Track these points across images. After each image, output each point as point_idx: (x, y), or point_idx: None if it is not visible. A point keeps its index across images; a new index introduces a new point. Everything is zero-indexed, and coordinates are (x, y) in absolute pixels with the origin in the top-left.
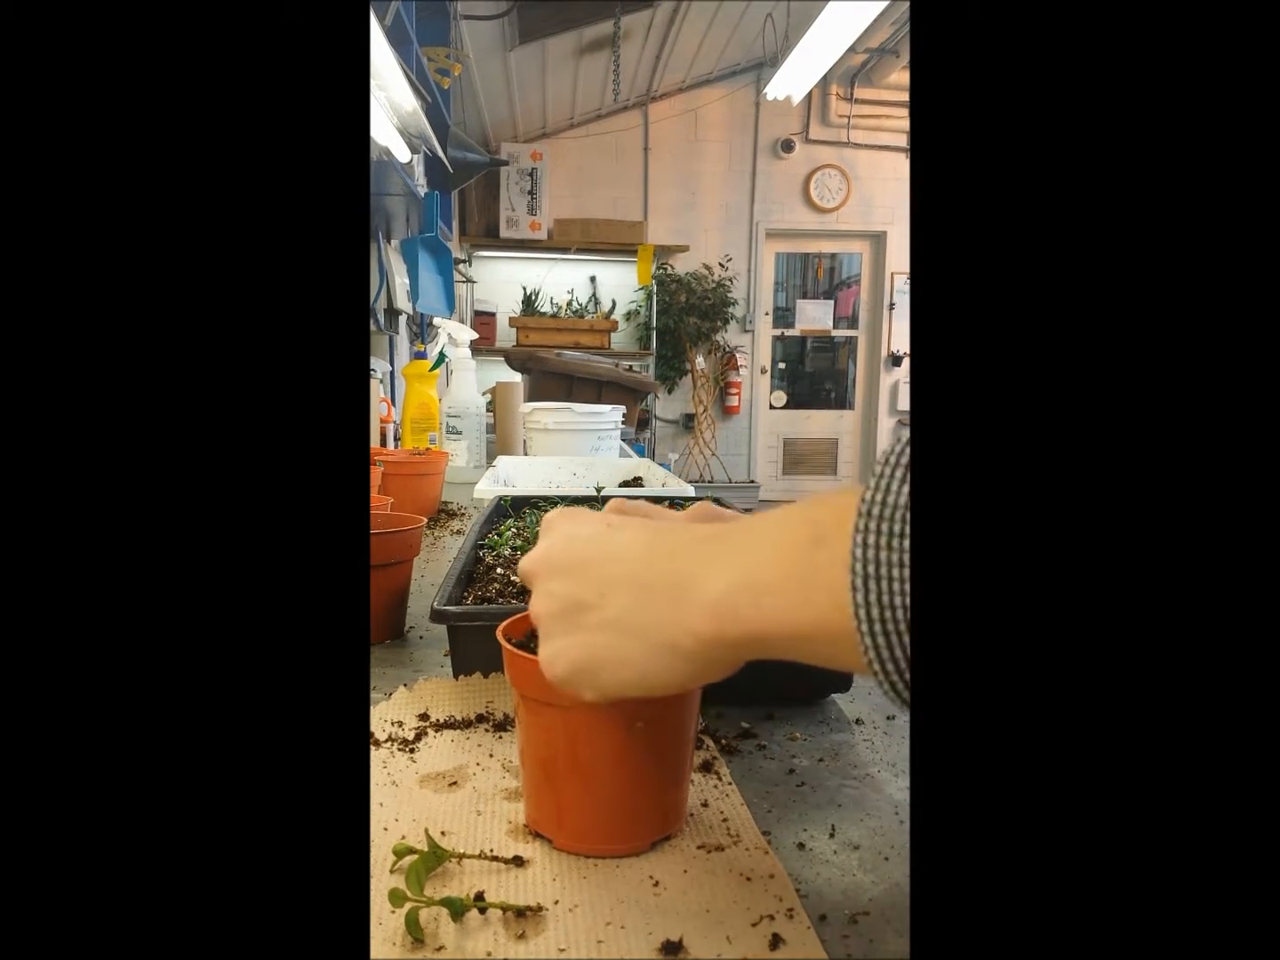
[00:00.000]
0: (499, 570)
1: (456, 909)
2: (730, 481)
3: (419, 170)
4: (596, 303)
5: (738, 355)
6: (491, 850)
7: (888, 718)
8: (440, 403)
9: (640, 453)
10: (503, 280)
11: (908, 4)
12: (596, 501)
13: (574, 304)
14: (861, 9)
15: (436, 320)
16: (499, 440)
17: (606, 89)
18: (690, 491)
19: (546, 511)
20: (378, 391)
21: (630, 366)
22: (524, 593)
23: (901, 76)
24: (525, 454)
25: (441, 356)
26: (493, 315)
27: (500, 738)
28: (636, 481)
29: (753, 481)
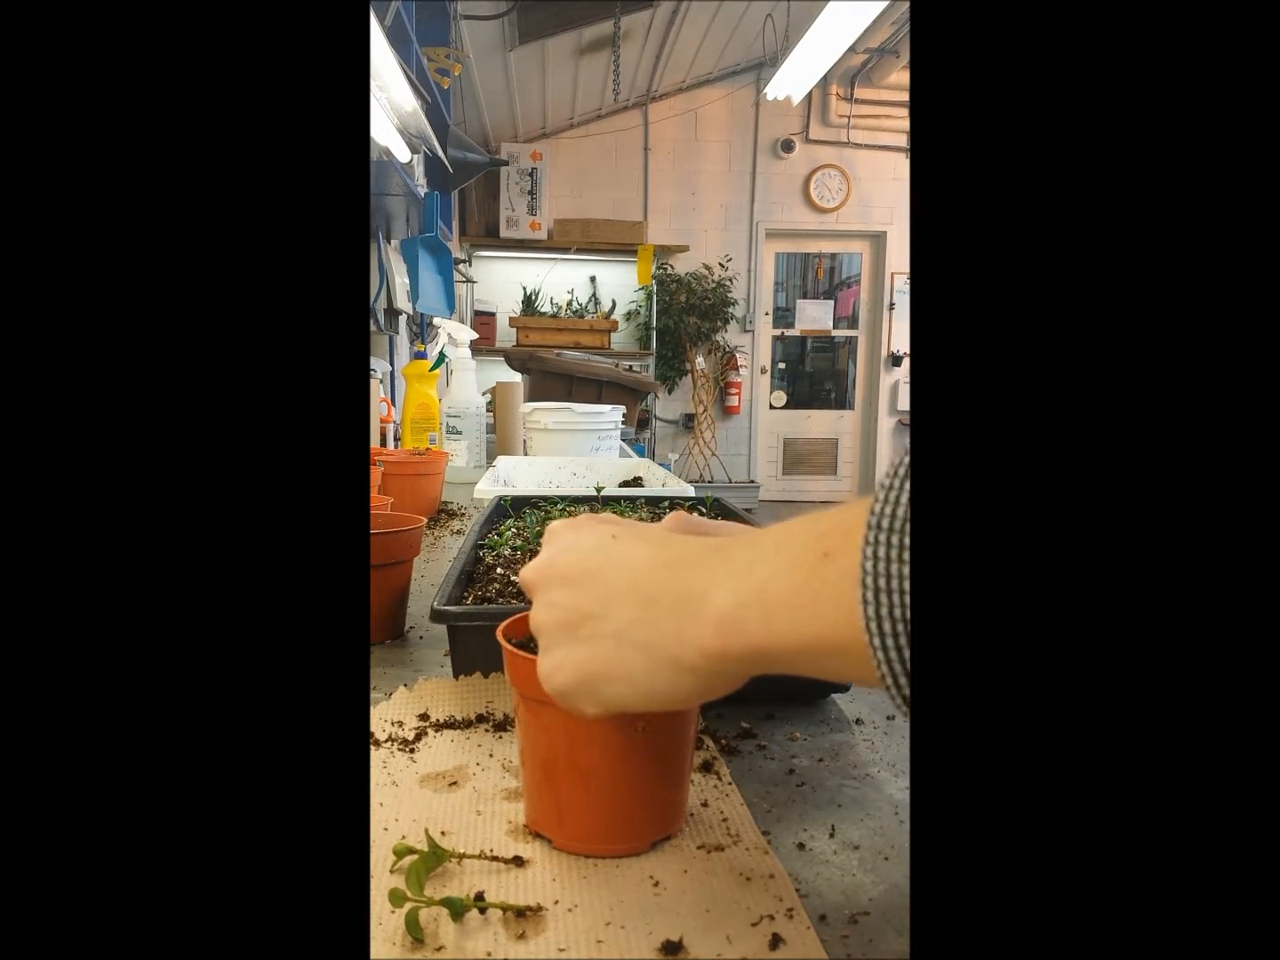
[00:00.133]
0: (499, 570)
1: (456, 909)
2: (730, 481)
3: (419, 170)
4: (596, 303)
5: (738, 355)
6: (491, 850)
7: (888, 718)
8: (440, 403)
9: (640, 453)
10: (503, 280)
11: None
12: (597, 502)
13: (574, 304)
14: (861, 9)
15: (436, 320)
16: (499, 440)
17: (606, 89)
18: (690, 491)
19: (546, 511)
20: (378, 391)
21: (630, 366)
22: (524, 593)
23: (901, 76)
24: (525, 454)
25: (441, 356)
26: (493, 315)
27: (500, 738)
28: (636, 481)
29: (753, 481)
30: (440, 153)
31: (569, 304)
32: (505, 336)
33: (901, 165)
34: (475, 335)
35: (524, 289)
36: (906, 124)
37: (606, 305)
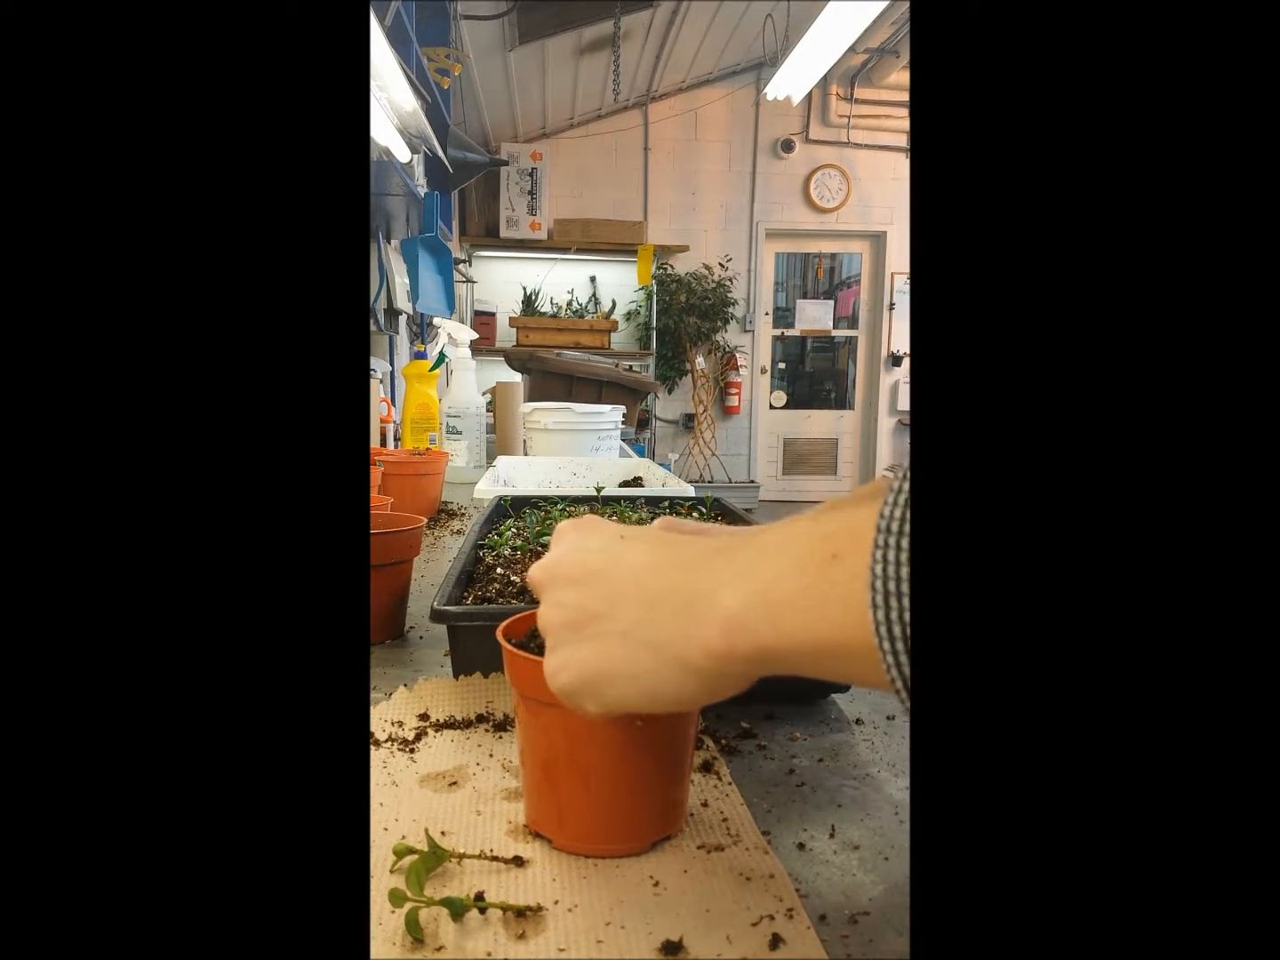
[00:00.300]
0: (499, 570)
1: (456, 909)
2: (730, 481)
3: (419, 170)
4: (596, 303)
5: (738, 355)
6: (491, 850)
7: (888, 718)
8: (440, 403)
9: (640, 453)
10: (503, 280)
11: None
12: (597, 502)
13: (574, 304)
14: (861, 9)
15: (436, 320)
16: (499, 440)
17: (606, 89)
18: (690, 491)
19: (546, 511)
20: (378, 391)
21: (630, 366)
22: (524, 593)
23: (901, 76)
24: (525, 454)
25: (441, 356)
26: (493, 315)
27: (500, 738)
28: (636, 481)
29: (753, 481)
30: (440, 153)
31: (569, 304)
32: (505, 336)
33: (901, 165)
34: (475, 335)
35: (524, 289)
36: (906, 124)
37: (606, 305)
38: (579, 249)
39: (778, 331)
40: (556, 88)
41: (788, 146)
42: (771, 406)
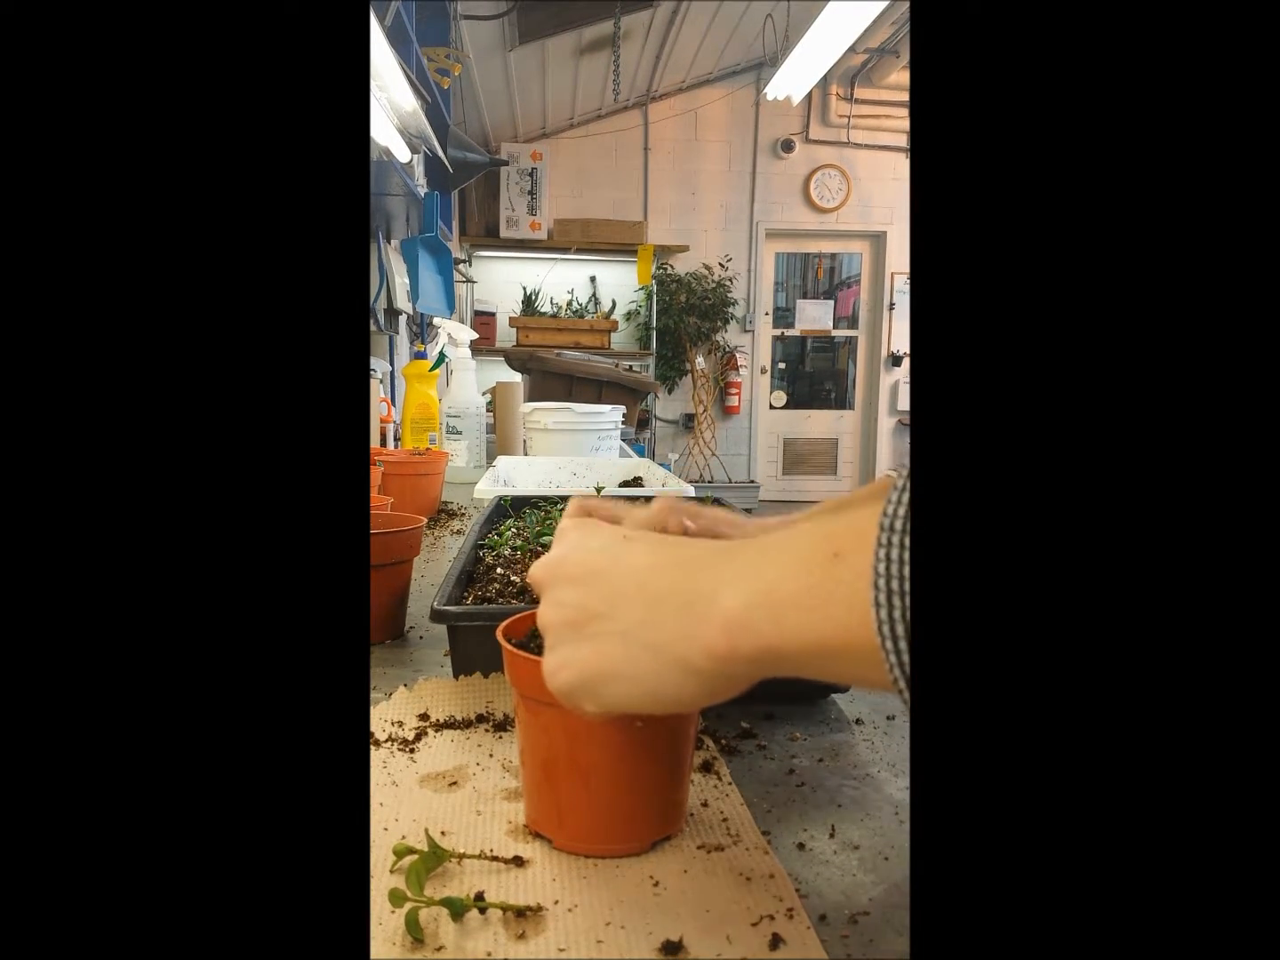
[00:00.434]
0: (499, 570)
1: (456, 909)
2: (730, 481)
3: (419, 170)
4: (596, 303)
5: (738, 355)
6: (491, 850)
7: (888, 718)
8: (440, 403)
9: (640, 453)
10: (503, 280)
11: (908, 4)
12: None
13: (574, 304)
14: (861, 9)
15: (436, 320)
16: (499, 440)
17: (606, 89)
18: (690, 491)
19: (546, 511)
20: (378, 391)
21: (630, 366)
22: (524, 593)
23: (901, 76)
24: (525, 454)
25: (441, 356)
26: (493, 315)
27: (500, 738)
28: (636, 481)
29: (753, 481)
30: (440, 153)
31: (569, 304)
32: (505, 336)
33: (901, 165)
34: (475, 335)
35: (524, 289)
36: (906, 124)
37: (606, 305)
38: (579, 249)
39: (778, 331)
40: (556, 88)
41: (788, 146)
42: (771, 406)
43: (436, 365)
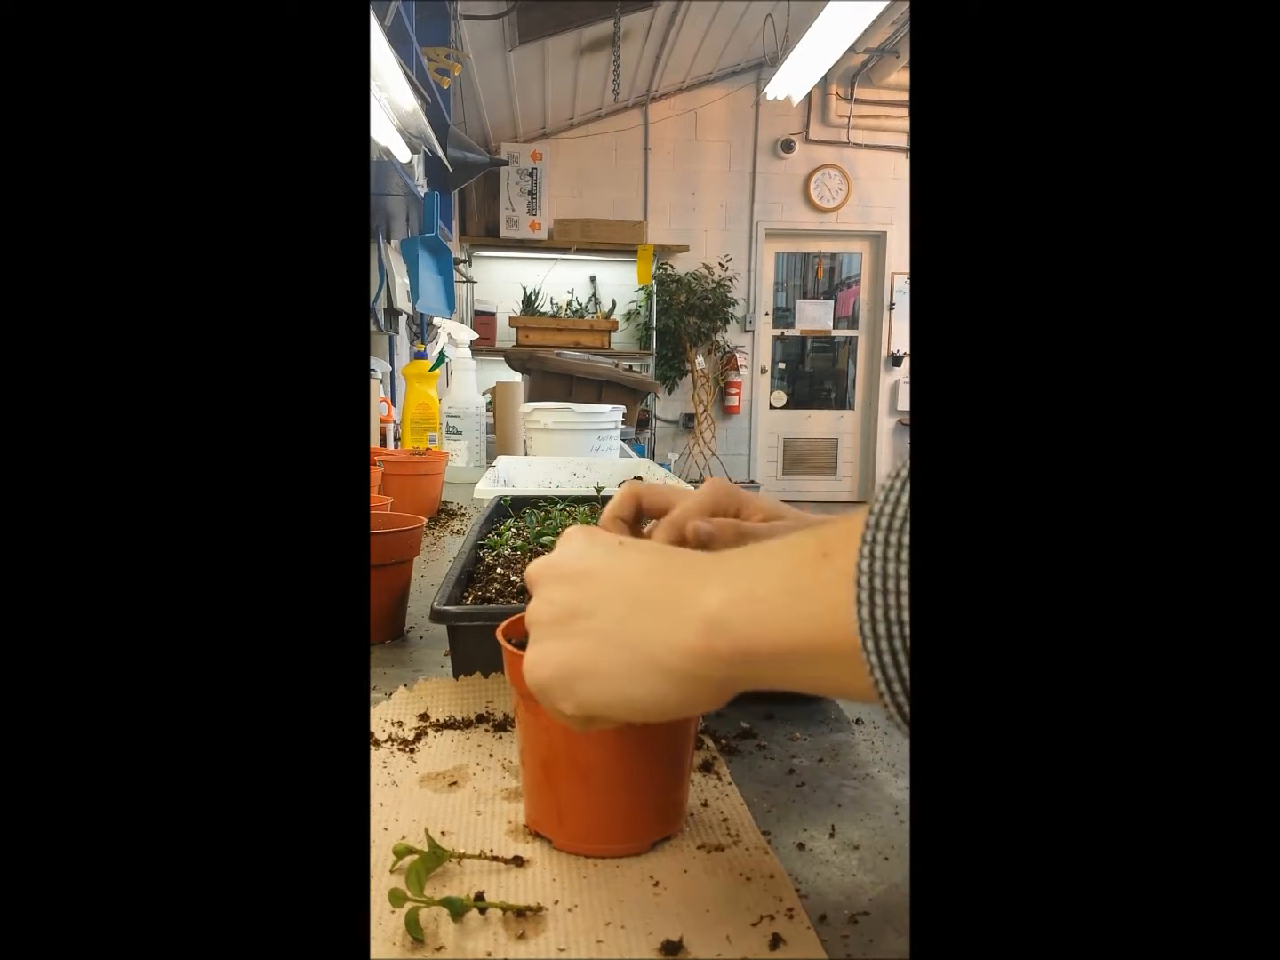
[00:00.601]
0: (499, 570)
1: (456, 909)
2: (730, 481)
3: (419, 170)
4: (596, 303)
5: (738, 355)
6: (491, 850)
7: (888, 718)
8: (440, 403)
9: (640, 453)
10: (503, 280)
11: (908, 4)
12: (596, 502)
13: (574, 304)
14: (861, 9)
15: (436, 320)
16: (499, 440)
17: (606, 89)
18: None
19: (546, 511)
20: (378, 391)
21: (630, 366)
22: (524, 593)
23: (901, 76)
24: (525, 454)
25: (441, 356)
26: (493, 315)
27: (500, 738)
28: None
29: (753, 481)
30: (440, 153)
31: (569, 304)
32: (505, 336)
33: (901, 165)
34: (475, 335)
35: (524, 289)
36: (906, 124)
37: (606, 305)
38: (579, 249)
39: (778, 331)
40: (556, 88)
41: (788, 146)
42: (771, 406)
43: (436, 365)
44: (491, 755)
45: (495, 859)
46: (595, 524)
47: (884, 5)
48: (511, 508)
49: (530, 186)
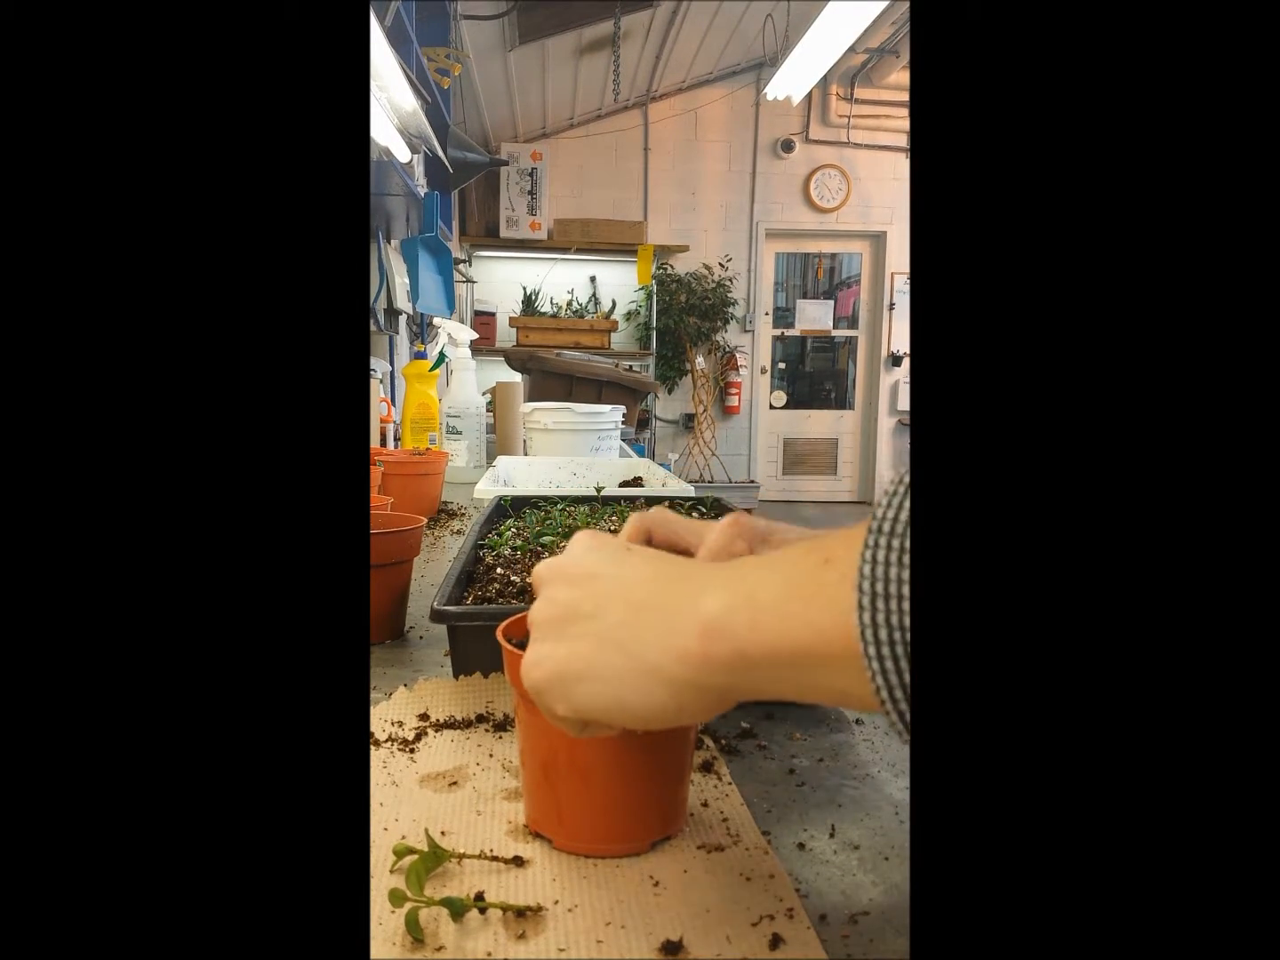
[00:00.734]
0: (499, 570)
1: (456, 909)
2: (730, 481)
3: (419, 170)
4: (596, 303)
5: (738, 355)
6: (491, 850)
7: (889, 724)
8: (440, 403)
9: (640, 453)
10: (503, 280)
11: (908, 4)
12: (597, 502)
13: (574, 304)
14: (861, 9)
15: (436, 320)
16: (499, 440)
17: (606, 89)
18: (690, 491)
19: (546, 511)
20: (378, 391)
21: (630, 366)
22: (524, 593)
23: (901, 76)
24: (525, 454)
25: (441, 356)
26: (493, 315)
27: (500, 738)
28: (636, 481)
29: (753, 481)
30: (440, 153)
31: (569, 304)
32: (505, 336)
33: (901, 165)
34: (475, 335)
35: (524, 289)
36: (906, 124)
37: (606, 305)
38: (579, 249)
39: (778, 331)
40: (556, 88)
41: (788, 146)
42: (771, 406)
43: (436, 365)
44: (491, 755)
45: (495, 859)
46: (595, 524)
47: (884, 5)
48: (511, 508)
49: (530, 186)
